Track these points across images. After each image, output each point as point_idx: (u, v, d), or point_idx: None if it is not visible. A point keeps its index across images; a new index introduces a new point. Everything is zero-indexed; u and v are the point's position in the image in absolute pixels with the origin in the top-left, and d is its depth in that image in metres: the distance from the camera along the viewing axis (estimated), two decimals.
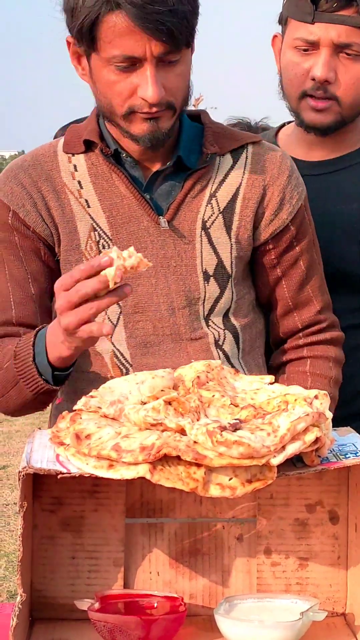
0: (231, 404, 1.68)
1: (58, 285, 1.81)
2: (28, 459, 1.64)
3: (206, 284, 2.07)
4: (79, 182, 2.07)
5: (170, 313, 2.06)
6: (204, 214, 2.07)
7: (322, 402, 1.67)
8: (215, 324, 2.09)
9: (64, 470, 1.60)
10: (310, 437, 1.60)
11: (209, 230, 2.07)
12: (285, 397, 1.68)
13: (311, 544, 1.80)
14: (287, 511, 1.80)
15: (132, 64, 1.92)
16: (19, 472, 1.59)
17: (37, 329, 1.98)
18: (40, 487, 1.76)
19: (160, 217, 2.05)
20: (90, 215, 2.06)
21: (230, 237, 2.08)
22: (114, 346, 2.07)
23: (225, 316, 2.10)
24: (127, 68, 1.93)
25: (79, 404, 1.71)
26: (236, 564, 1.81)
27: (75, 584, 1.78)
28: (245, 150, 2.11)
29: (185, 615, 1.70)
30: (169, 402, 1.64)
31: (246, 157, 2.11)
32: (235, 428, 1.59)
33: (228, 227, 2.08)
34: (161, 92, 1.93)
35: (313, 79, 2.36)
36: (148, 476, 1.56)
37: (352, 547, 1.79)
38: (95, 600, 1.71)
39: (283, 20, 2.42)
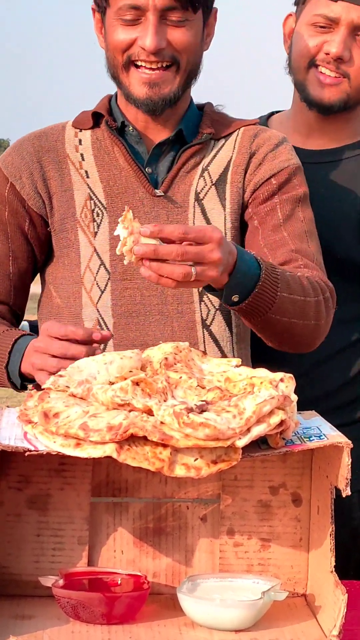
0: (198, 385, 1.70)
1: (46, 327, 1.83)
2: None
3: None
4: (82, 155, 2.14)
5: None
6: (196, 186, 2.11)
7: (288, 385, 1.68)
8: (210, 301, 2.09)
9: (32, 448, 1.61)
10: (275, 419, 1.62)
11: (202, 201, 2.11)
12: (251, 379, 1.69)
13: (274, 526, 1.83)
14: (251, 492, 1.83)
15: (137, 16, 2.00)
16: None
17: (19, 335, 1.98)
18: (7, 465, 1.77)
19: (156, 190, 2.10)
20: (88, 184, 2.11)
21: (224, 208, 2.12)
22: (99, 313, 2.08)
23: None
24: (132, 21, 2.00)
25: (48, 383, 1.72)
26: (199, 544, 1.83)
27: (40, 561, 1.80)
28: (237, 131, 2.18)
29: (148, 593, 1.72)
30: (136, 383, 1.65)
31: (237, 135, 2.17)
32: (201, 410, 1.61)
33: (222, 198, 2.12)
34: (161, 42, 2.00)
35: (327, 54, 2.38)
36: (115, 455, 1.58)
37: (313, 530, 1.81)
38: (59, 577, 1.73)
39: (301, 0, 2.44)
